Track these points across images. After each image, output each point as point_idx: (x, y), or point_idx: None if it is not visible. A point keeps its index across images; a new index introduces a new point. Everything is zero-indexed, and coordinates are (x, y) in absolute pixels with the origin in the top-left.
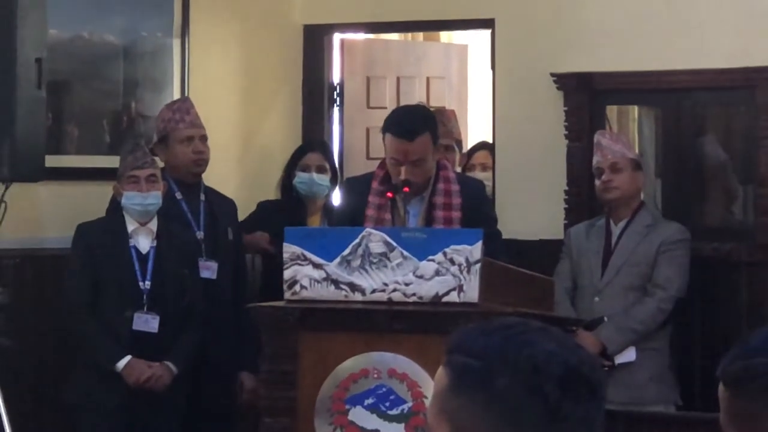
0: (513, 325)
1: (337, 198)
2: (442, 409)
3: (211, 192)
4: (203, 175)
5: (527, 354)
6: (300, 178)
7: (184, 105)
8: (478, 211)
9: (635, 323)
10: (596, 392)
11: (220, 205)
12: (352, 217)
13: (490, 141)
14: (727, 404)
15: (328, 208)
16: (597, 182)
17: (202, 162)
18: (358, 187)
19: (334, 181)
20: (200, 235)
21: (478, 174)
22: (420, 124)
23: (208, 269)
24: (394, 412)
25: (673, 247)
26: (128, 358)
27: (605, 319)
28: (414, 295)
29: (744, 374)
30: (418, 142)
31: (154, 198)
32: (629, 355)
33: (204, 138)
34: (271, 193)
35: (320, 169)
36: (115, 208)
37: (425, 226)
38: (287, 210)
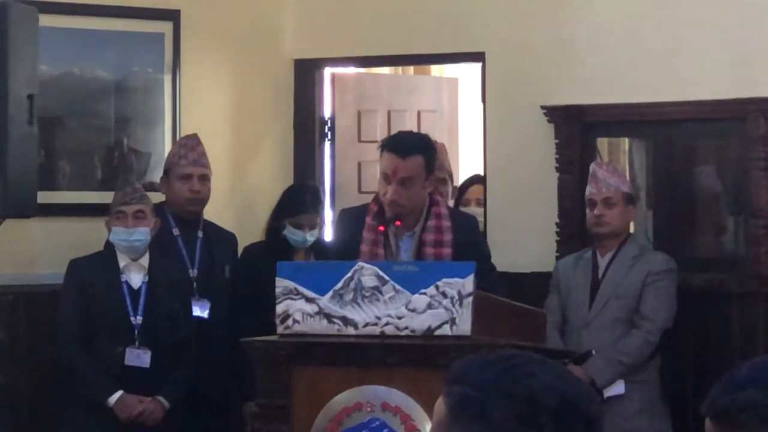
0: (512, 357)
1: (325, 234)
2: None
3: (210, 227)
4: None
5: (524, 385)
6: (292, 233)
7: (190, 142)
8: (471, 247)
9: (623, 356)
10: (592, 426)
11: (219, 241)
12: (346, 250)
13: (482, 174)
14: None
15: (314, 246)
16: (588, 212)
17: (197, 201)
18: (352, 220)
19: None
20: (193, 273)
21: (473, 209)
22: (415, 145)
23: (201, 308)
24: None
25: (659, 278)
26: (120, 393)
27: (593, 352)
28: (406, 328)
29: (734, 408)
30: (409, 161)
31: (140, 234)
32: (618, 388)
33: (204, 177)
34: (263, 227)
35: (312, 227)
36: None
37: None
38: (273, 254)
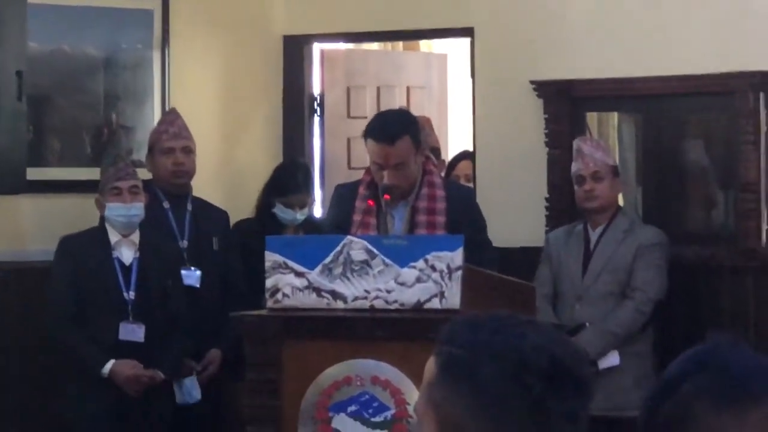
0: (502, 318)
1: (315, 211)
2: (430, 400)
3: (199, 203)
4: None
5: (513, 346)
6: (282, 212)
7: (168, 117)
8: (465, 218)
9: (614, 327)
10: (581, 388)
11: (208, 215)
12: (340, 223)
13: (471, 150)
14: None
15: (304, 223)
16: (577, 189)
17: (181, 174)
18: (347, 194)
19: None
20: (184, 244)
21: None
22: (399, 128)
23: (191, 277)
24: (377, 419)
25: (650, 251)
26: (113, 361)
27: (587, 325)
28: (396, 302)
29: (679, 408)
30: (398, 146)
31: (137, 209)
32: (612, 359)
33: (186, 150)
34: (252, 203)
35: (302, 206)
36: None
37: (409, 230)
38: (264, 230)
